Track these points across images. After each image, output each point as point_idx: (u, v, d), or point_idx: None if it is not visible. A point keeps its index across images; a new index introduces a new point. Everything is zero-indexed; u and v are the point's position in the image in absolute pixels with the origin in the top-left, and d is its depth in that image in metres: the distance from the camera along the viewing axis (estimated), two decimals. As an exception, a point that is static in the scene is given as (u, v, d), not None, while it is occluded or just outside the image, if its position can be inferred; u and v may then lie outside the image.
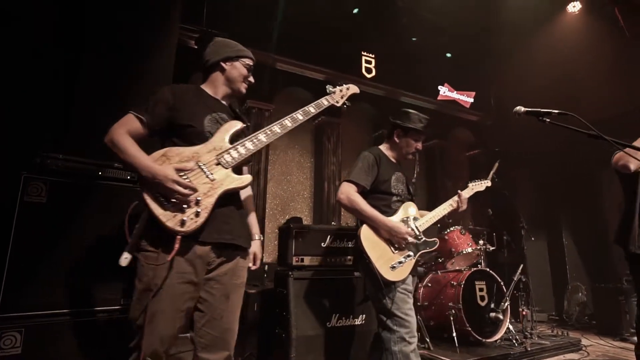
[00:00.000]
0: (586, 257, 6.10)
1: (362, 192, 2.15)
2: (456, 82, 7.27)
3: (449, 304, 3.56)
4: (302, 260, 2.85)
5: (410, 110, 2.32)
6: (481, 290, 3.71)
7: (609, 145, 1.56)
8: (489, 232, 4.80)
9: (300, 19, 5.56)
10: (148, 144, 1.52)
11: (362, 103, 6.40)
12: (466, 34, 6.88)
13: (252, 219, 1.87)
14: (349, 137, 6.29)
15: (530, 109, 1.70)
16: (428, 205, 2.54)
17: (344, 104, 1.99)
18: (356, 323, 2.83)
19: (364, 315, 2.88)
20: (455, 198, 2.33)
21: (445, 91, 7.28)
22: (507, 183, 6.83)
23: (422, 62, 6.76)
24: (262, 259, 1.84)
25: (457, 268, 4.05)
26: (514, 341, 3.64)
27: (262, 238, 1.99)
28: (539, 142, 6.75)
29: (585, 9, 6.06)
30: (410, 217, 2.16)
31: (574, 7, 6.16)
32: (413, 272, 2.11)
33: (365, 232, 2.07)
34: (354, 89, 2.03)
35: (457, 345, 3.35)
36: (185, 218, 1.39)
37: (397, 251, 2.05)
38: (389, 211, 2.15)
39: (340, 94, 1.97)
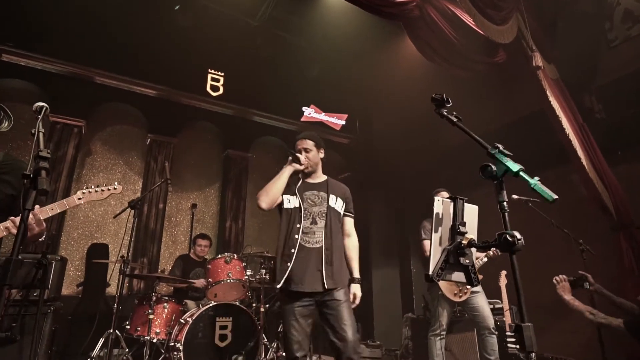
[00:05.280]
0: (433, 285, 5.84)
1: None
2: (321, 104, 7.10)
3: (176, 344, 3.12)
4: None
5: None
6: (224, 328, 3.29)
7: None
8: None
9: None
10: None
11: (205, 122, 6.10)
12: (329, 57, 6.77)
13: None
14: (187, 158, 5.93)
15: None
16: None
17: None
18: None
19: None
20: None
21: (310, 112, 7.09)
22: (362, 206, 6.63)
23: (282, 83, 6.58)
24: None
25: (223, 301, 3.63)
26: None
27: None
28: (400, 167, 6.64)
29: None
30: None
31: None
32: None
33: None
34: None
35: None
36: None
37: None
38: None
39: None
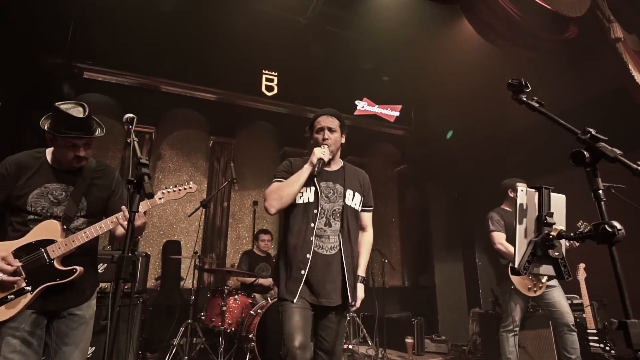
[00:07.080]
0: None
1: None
2: (374, 96, 7.01)
3: (248, 334, 3.29)
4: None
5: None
6: (292, 319, 3.40)
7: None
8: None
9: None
10: None
11: (262, 122, 6.31)
12: (381, 49, 6.66)
13: None
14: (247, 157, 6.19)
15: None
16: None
17: None
18: None
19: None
20: (121, 214, 1.91)
21: (364, 105, 7.03)
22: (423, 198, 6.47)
23: (335, 78, 6.60)
24: None
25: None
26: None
27: None
28: (459, 156, 6.38)
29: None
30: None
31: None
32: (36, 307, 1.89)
33: None
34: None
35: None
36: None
37: None
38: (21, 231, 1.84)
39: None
